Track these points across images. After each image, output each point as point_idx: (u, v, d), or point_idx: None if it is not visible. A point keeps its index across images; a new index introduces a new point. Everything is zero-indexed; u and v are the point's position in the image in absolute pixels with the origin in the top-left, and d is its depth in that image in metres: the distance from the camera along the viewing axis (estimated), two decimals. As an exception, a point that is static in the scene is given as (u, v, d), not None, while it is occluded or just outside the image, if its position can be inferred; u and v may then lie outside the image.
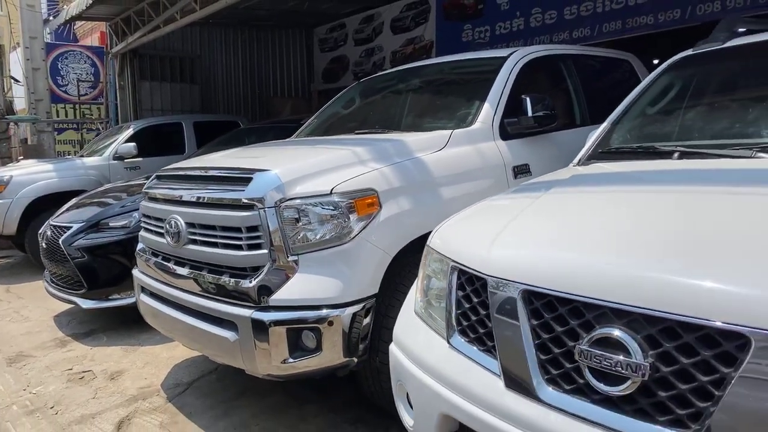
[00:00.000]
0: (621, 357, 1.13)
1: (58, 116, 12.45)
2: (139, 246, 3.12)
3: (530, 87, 3.15)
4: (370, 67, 10.38)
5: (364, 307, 2.22)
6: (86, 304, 3.96)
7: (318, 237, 2.24)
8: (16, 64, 14.28)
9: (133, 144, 6.65)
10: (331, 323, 2.15)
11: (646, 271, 1.17)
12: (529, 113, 2.89)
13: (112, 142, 6.97)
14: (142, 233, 3.04)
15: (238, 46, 10.66)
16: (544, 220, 1.61)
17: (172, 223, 2.60)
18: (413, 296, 1.88)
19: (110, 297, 4.00)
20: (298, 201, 2.25)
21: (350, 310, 2.19)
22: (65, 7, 10.92)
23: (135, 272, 3.12)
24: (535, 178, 2.19)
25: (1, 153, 8.31)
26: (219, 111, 10.36)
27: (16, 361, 3.81)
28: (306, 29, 11.52)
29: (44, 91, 8.81)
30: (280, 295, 2.23)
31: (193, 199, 2.53)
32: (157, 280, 2.86)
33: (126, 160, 6.78)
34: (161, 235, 2.76)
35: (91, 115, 13.87)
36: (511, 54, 3.29)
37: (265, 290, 2.25)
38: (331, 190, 2.24)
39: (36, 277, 6.15)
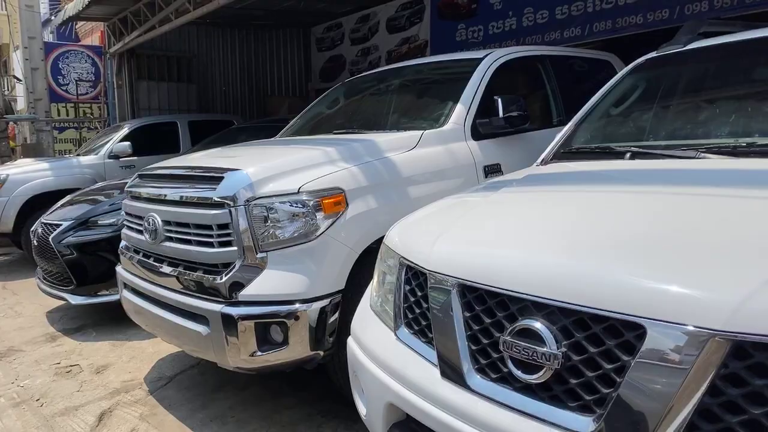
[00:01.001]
0: (537, 347, 1.20)
1: (59, 115, 12.59)
2: (122, 243, 3.21)
3: (505, 88, 3.22)
4: (366, 66, 10.45)
5: (330, 302, 2.29)
6: (75, 299, 4.06)
7: (286, 234, 2.31)
8: (16, 63, 14.42)
9: (128, 143, 6.75)
10: (297, 317, 2.23)
11: (562, 267, 1.24)
12: (500, 114, 2.95)
13: (107, 141, 7.08)
14: (124, 231, 3.12)
15: (236, 46, 10.74)
16: (485, 219, 1.68)
17: (150, 220, 2.69)
18: (369, 292, 1.95)
19: (98, 293, 4.09)
20: (266, 199, 2.33)
21: (317, 305, 2.26)
22: (66, 6, 11.04)
23: (118, 269, 3.21)
24: (496, 178, 2.26)
25: (1, 152, 8.43)
26: (216, 110, 10.46)
27: (6, 355, 3.91)
28: (303, 28, 11.59)
29: (43, 91, 8.92)
30: (249, 291, 2.31)
31: (169, 198, 2.61)
32: (138, 276, 2.94)
33: (121, 159, 6.88)
34: (141, 232, 2.84)
35: (92, 114, 14.02)
36: (487, 55, 3.35)
37: (235, 286, 2.33)
38: (299, 188, 2.32)
39: (32, 274, 6.25)
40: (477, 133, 3.00)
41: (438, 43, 9.07)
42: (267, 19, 10.57)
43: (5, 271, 6.63)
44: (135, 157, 6.95)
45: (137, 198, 2.94)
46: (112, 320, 4.40)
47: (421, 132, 2.84)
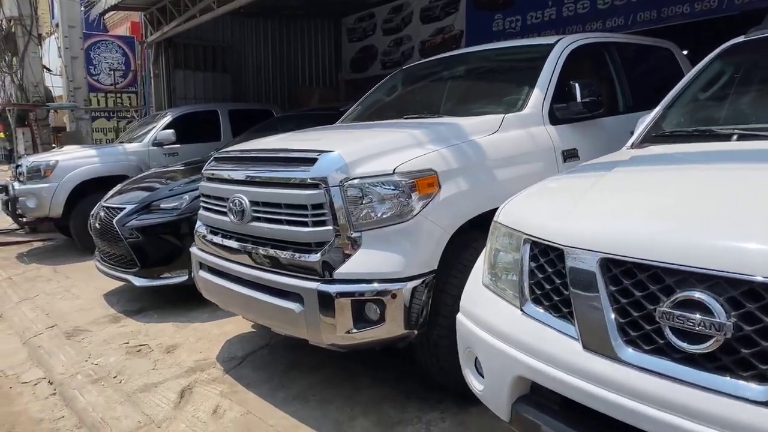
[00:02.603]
0: (704, 317, 1.22)
1: (90, 105, 12.76)
2: (198, 224, 3.26)
3: (576, 74, 3.21)
4: (399, 56, 10.44)
5: (424, 282, 2.32)
6: (139, 282, 4.14)
7: (380, 215, 2.34)
8: (46, 53, 14.62)
9: (171, 131, 6.83)
10: (394, 296, 2.26)
11: (728, 239, 1.25)
12: (578, 99, 2.95)
13: (150, 129, 7.17)
14: (201, 212, 3.17)
15: (268, 36, 10.79)
16: (615, 195, 1.69)
17: (236, 201, 2.73)
18: (479, 269, 1.97)
19: (162, 276, 4.16)
20: (361, 180, 2.36)
21: (411, 285, 2.29)
22: (99, -3, 11.15)
23: (193, 250, 3.27)
24: (588, 162, 2.26)
25: (42, 139, 8.58)
26: (248, 100, 10.51)
27: (73, 335, 4.01)
28: (335, 19, 11.60)
29: (82, 79, 9.06)
30: (345, 269, 2.34)
31: (258, 179, 2.66)
32: (218, 256, 2.99)
33: (165, 147, 6.96)
34: (223, 213, 2.89)
35: (122, 103, 14.20)
36: (558, 41, 3.34)
37: (330, 264, 2.37)
38: (394, 170, 2.34)
39: (80, 258, 6.38)
40: (554, 118, 3.00)
41: (474, 34, 9.04)
42: (300, 9, 10.61)
43: (52, 256, 6.77)
44: (177, 145, 7.03)
45: (218, 180, 2.98)
46: (171, 302, 4.48)
47: (503, 116, 2.84)
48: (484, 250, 2.01)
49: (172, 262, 4.13)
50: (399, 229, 2.33)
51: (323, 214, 2.40)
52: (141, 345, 3.73)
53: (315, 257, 2.41)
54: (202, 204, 3.19)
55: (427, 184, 2.35)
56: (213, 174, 3.04)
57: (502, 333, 1.68)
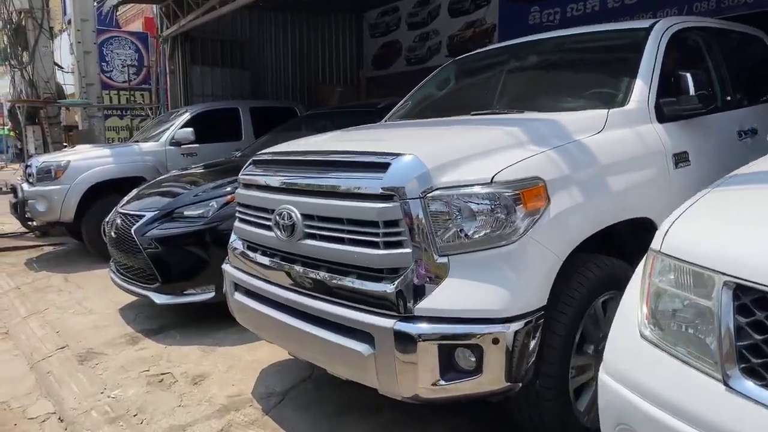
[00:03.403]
0: None
1: (103, 102, 12.38)
2: (233, 239, 2.80)
3: (677, 63, 2.71)
4: (425, 52, 9.95)
5: (533, 321, 1.83)
6: (160, 299, 3.68)
7: (474, 235, 1.86)
8: (57, 50, 14.29)
9: (190, 129, 6.39)
10: (496, 341, 1.77)
11: None
12: (692, 91, 2.45)
13: (167, 128, 6.72)
14: (237, 224, 2.71)
15: (288, 31, 10.33)
16: None
17: (285, 214, 2.25)
18: (628, 313, 1.48)
19: (185, 292, 3.70)
20: (450, 191, 1.88)
21: (517, 326, 1.80)
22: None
23: (227, 268, 2.80)
24: (751, 167, 1.76)
25: (53, 138, 8.17)
26: (267, 98, 10.06)
27: (87, 359, 3.55)
28: (356, 14, 11.12)
29: (95, 75, 8.64)
30: (428, 304, 1.86)
31: (313, 188, 2.18)
32: (257, 277, 2.52)
33: (183, 146, 6.52)
34: (266, 227, 2.42)
35: (135, 100, 13.80)
36: (655, 24, 2.84)
37: (409, 297, 1.89)
38: (492, 178, 1.85)
39: (93, 266, 5.95)
40: (661, 115, 2.50)
41: (507, 27, 8.51)
42: (320, 2, 10.14)
43: (63, 263, 6.34)
44: (196, 145, 6.59)
45: (259, 187, 2.51)
46: (194, 321, 4.02)
47: (606, 111, 2.35)
48: (630, 286, 1.52)
49: (197, 277, 3.66)
50: (499, 254, 1.84)
51: (399, 233, 1.92)
52: (163, 373, 3.26)
53: (388, 287, 1.92)
54: (238, 215, 2.72)
55: (535, 196, 1.86)
56: (253, 180, 2.57)
57: (697, 418, 1.18)
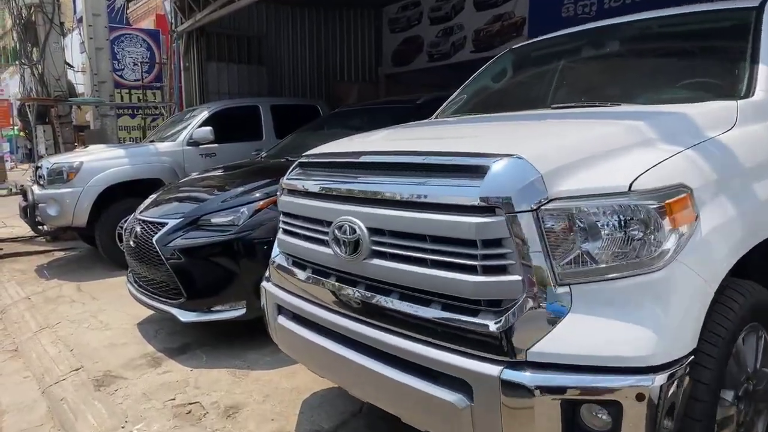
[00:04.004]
0: None
1: (114, 101, 12.08)
2: (275, 253, 2.42)
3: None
4: (449, 47, 9.54)
5: (683, 370, 1.42)
6: (185, 316, 3.30)
7: (605, 259, 1.46)
8: (68, 49, 14.01)
9: (209, 128, 6.02)
10: (641, 396, 1.37)
11: None
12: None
13: (185, 127, 6.36)
14: (282, 237, 2.32)
15: (305, 26, 9.94)
16: None
17: (346, 228, 1.86)
18: None
19: (212, 308, 3.32)
20: (571, 203, 1.48)
21: (665, 376, 1.40)
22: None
23: (268, 287, 2.41)
24: None
25: (64, 138, 7.84)
26: (284, 95, 9.70)
27: (104, 383, 3.18)
28: (375, 8, 10.73)
29: (107, 73, 8.30)
30: (547, 347, 1.46)
31: (384, 197, 1.78)
32: (308, 300, 2.14)
33: (201, 146, 6.15)
34: (320, 242, 2.04)
35: (146, 99, 13.48)
36: (765, 2, 2.42)
37: (519, 337, 1.49)
38: (630, 185, 1.45)
39: (107, 273, 5.60)
40: (790, 108, 2.08)
41: (538, 21, 8.09)
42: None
43: (76, 270, 5.99)
44: (215, 145, 6.22)
45: (310, 195, 2.12)
46: (221, 339, 3.64)
47: (735, 102, 1.94)
48: None
49: (226, 292, 3.28)
50: (640, 284, 1.44)
51: (503, 256, 1.52)
52: (191, 403, 2.89)
53: (490, 323, 1.53)
54: (282, 226, 2.33)
55: (683, 208, 1.46)
56: (301, 186, 2.18)
57: None
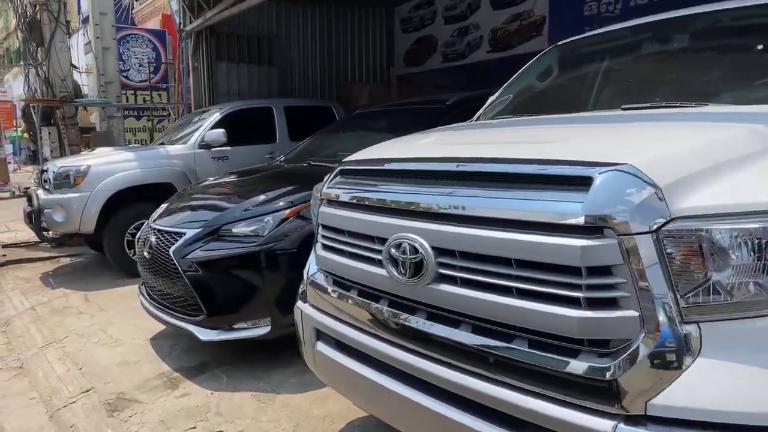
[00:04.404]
0: None
1: (121, 102, 11.86)
2: (312, 270, 2.16)
3: None
4: (464, 47, 9.29)
5: None
6: (205, 335, 3.04)
7: (746, 291, 1.19)
8: (73, 49, 13.80)
9: (222, 130, 5.77)
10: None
11: None
12: None
13: (196, 129, 6.11)
14: (322, 254, 2.06)
15: (315, 26, 9.69)
16: None
17: (406, 247, 1.60)
18: None
19: (234, 326, 3.06)
20: (701, 224, 1.21)
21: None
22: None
23: (305, 309, 2.16)
24: None
25: (70, 140, 7.59)
26: (294, 96, 9.45)
27: (117, 408, 2.93)
28: (386, 8, 10.48)
29: (114, 73, 8.06)
30: (673, 399, 1.20)
31: (456, 211, 1.52)
32: (355, 326, 1.88)
33: (213, 149, 5.90)
34: (372, 261, 1.78)
35: (152, 101, 13.25)
36: None
37: (635, 385, 1.23)
38: (780, 203, 1.19)
39: (115, 282, 5.35)
40: None
41: (559, 19, 7.84)
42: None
43: (82, 278, 5.75)
44: (228, 147, 5.97)
45: (357, 206, 1.86)
46: (241, 357, 3.38)
47: None
48: None
49: (249, 308, 3.03)
50: (791, 323, 1.18)
51: (614, 286, 1.26)
52: (214, 433, 2.63)
53: (599, 367, 1.27)
54: (322, 241, 2.07)
55: (841, 231, 1.19)
56: (346, 196, 1.93)
57: None
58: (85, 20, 14.47)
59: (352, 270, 1.89)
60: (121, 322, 4.24)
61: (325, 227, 2.06)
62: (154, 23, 15.82)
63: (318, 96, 9.81)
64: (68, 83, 7.55)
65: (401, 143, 2.25)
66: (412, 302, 1.68)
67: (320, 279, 2.11)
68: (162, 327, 3.88)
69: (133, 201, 5.49)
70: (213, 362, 3.38)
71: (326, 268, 2.06)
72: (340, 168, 2.09)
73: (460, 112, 4.00)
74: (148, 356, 3.57)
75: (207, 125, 6.00)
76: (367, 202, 1.83)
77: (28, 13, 7.57)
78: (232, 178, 4.25)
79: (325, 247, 2.05)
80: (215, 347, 3.51)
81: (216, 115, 6.12)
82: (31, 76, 8.00)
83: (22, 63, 7.82)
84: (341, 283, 1.98)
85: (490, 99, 3.09)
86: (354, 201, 1.89)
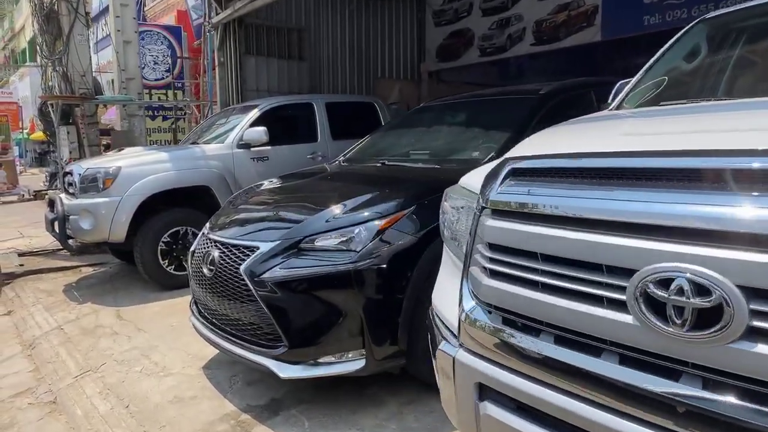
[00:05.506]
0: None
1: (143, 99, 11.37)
2: (470, 306, 1.62)
3: None
4: (504, 40, 8.77)
5: None
6: (286, 371, 2.50)
7: None
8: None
9: (263, 128, 5.25)
10: None
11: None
12: None
13: (233, 127, 5.58)
14: (490, 283, 1.52)
15: (345, 19, 9.18)
16: None
17: (684, 284, 1.07)
18: None
19: (320, 361, 2.52)
20: None
21: None
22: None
23: (459, 356, 1.62)
24: None
25: (90, 140, 7.08)
26: (322, 92, 8.94)
27: (182, 462, 2.39)
28: (418, 0, 9.96)
29: (136, 69, 7.56)
30: None
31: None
32: (550, 385, 1.35)
33: (252, 149, 5.37)
34: (600, 300, 1.24)
35: (175, 98, 12.75)
36: None
37: None
38: None
39: (149, 297, 4.83)
40: None
41: (614, 8, 7.30)
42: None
43: (110, 290, 5.23)
44: (268, 147, 5.45)
45: (565, 221, 1.33)
46: (316, 391, 2.86)
47: None
48: None
49: (337, 339, 2.49)
50: None
51: None
52: (312, 502, 2.10)
53: None
54: (489, 265, 1.53)
55: None
56: (539, 204, 1.39)
57: None
58: (95, 17, 13.98)
59: (554, 310, 1.35)
60: (164, 346, 3.71)
61: (495, 248, 1.53)
62: (168, 20, 15.33)
63: (347, 91, 9.30)
64: (88, 79, 7.03)
65: (579, 135, 1.71)
66: (677, 363, 1.14)
67: (483, 316, 1.57)
68: (215, 352, 3.36)
69: (167, 206, 4.97)
70: (286, 399, 2.84)
71: (499, 303, 1.52)
72: (511, 167, 1.56)
73: (557, 103, 3.48)
74: (206, 391, 3.03)
75: (245, 123, 5.47)
76: (586, 215, 1.29)
77: (45, 4, 7.06)
78: (294, 182, 3.72)
79: (498, 275, 1.51)
80: (285, 381, 2.98)
81: (255, 112, 5.59)
82: (48, 72, 7.49)
83: (39, 56, 7.29)
84: (528, 326, 1.45)
85: (628, 86, 2.56)
86: (557, 213, 1.36)
